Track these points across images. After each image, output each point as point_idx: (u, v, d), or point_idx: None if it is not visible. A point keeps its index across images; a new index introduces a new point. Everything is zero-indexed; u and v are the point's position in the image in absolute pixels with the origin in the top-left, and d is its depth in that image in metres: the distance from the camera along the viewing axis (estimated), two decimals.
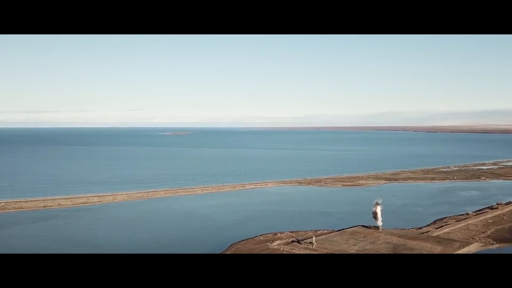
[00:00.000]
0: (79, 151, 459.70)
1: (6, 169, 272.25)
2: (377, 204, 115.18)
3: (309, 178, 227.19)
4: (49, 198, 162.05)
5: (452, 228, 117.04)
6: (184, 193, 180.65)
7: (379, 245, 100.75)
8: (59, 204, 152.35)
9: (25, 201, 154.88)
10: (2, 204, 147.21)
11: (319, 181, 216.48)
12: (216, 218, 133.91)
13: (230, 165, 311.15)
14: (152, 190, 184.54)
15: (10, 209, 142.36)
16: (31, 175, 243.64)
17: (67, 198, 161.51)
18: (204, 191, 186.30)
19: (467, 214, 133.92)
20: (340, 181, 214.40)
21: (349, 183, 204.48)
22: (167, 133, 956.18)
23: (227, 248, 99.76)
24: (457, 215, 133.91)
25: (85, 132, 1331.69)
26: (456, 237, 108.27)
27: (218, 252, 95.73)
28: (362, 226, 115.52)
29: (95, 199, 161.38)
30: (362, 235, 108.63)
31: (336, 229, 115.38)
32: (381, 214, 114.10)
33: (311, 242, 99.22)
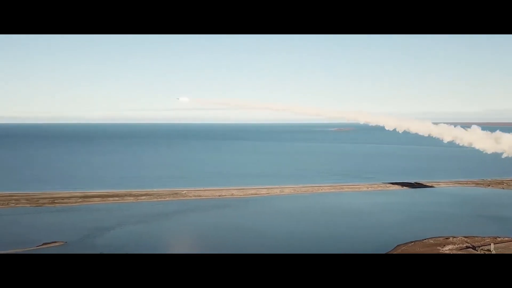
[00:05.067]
0: (235, 145, 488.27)
1: (186, 160, 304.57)
2: None
3: (489, 179, 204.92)
4: (224, 188, 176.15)
5: None
6: (348, 189, 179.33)
7: None
8: (232, 194, 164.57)
9: (203, 190, 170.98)
10: (184, 192, 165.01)
11: (500, 182, 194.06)
12: (380, 217, 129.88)
13: (405, 162, 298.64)
14: (317, 185, 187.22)
15: (191, 197, 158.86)
16: (207, 166, 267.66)
17: (239, 189, 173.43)
18: (370, 188, 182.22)
19: None
20: None
21: None
22: (333, 129, 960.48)
23: (393, 249, 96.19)
24: None
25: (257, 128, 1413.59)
26: None
27: (383, 253, 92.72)
28: None
29: (264, 191, 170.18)
30: None
31: None
32: None
33: (488, 250, 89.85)
